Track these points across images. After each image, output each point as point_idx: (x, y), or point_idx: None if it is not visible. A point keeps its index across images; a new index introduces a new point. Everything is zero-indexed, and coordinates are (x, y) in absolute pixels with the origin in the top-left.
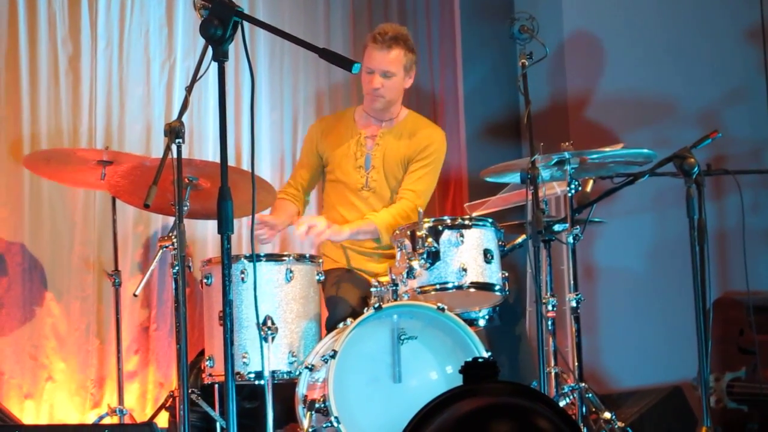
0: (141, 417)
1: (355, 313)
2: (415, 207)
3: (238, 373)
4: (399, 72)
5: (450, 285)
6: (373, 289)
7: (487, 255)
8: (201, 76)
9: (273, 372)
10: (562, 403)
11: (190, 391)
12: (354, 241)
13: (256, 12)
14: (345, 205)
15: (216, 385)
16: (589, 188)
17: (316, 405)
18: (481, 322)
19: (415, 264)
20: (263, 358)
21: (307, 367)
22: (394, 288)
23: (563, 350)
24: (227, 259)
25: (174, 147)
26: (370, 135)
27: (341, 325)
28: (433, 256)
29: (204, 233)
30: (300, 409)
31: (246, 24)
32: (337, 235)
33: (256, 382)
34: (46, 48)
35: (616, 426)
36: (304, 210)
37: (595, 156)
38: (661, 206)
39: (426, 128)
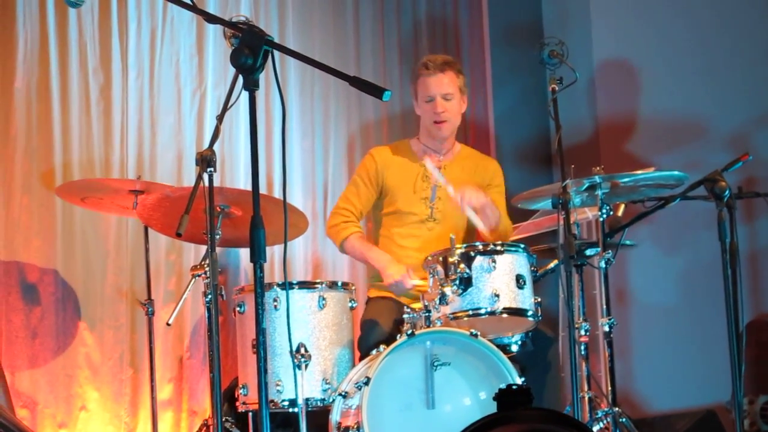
0: None
1: (389, 336)
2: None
3: (272, 401)
4: (456, 93)
5: (483, 311)
6: (405, 316)
7: (519, 280)
8: (232, 105)
9: (306, 399)
10: (596, 428)
11: (224, 419)
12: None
13: (286, 40)
14: (407, 237)
15: (250, 413)
16: (620, 212)
17: None
18: (514, 348)
19: (448, 290)
20: (297, 386)
21: (340, 394)
22: (426, 314)
23: (596, 375)
24: (260, 287)
25: (206, 176)
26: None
27: (374, 351)
28: (466, 282)
29: (236, 261)
30: None
31: (276, 52)
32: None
33: (290, 410)
34: (77, 78)
35: None
36: None
37: (626, 179)
38: (693, 229)
39: (486, 158)
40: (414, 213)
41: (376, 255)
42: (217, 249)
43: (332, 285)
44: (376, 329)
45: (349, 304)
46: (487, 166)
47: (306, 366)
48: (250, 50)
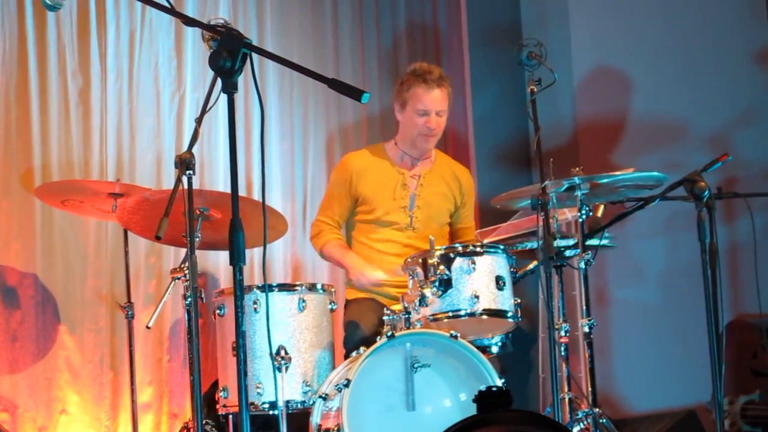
0: None
1: (370, 338)
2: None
3: (252, 404)
4: (447, 109)
5: (462, 312)
6: (385, 318)
7: (499, 282)
8: (210, 108)
9: (287, 402)
10: (576, 429)
11: (204, 422)
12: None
13: (264, 43)
14: (385, 242)
15: (230, 416)
16: (600, 213)
17: None
18: (494, 349)
19: (428, 292)
20: (277, 388)
21: (320, 396)
22: (406, 316)
23: (577, 376)
24: (240, 290)
25: (185, 178)
26: (413, 175)
27: (355, 353)
28: (446, 284)
29: (216, 264)
30: None
31: (255, 55)
32: None
33: (271, 412)
34: (56, 80)
35: None
36: None
37: (605, 180)
38: (673, 230)
39: (460, 169)
40: (394, 222)
41: (351, 260)
42: (197, 252)
43: (312, 287)
44: (361, 329)
45: (329, 306)
46: (462, 179)
47: (286, 368)
48: (229, 53)
